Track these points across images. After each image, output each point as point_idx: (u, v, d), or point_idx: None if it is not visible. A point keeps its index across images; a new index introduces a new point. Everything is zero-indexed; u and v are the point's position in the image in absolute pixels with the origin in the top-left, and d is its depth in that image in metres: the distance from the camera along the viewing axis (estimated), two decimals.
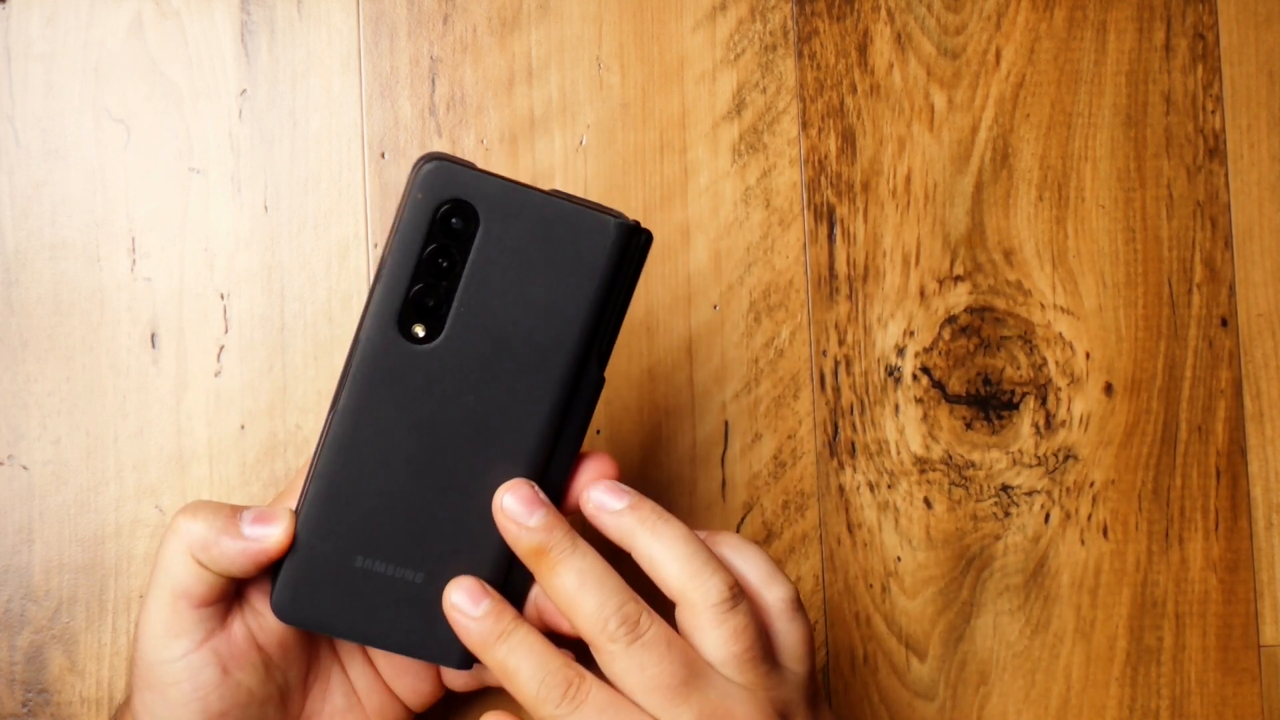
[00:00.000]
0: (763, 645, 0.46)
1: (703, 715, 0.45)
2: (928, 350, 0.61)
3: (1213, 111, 0.63)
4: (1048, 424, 0.61)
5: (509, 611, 0.47)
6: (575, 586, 0.46)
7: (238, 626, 0.48)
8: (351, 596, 0.47)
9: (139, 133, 0.58)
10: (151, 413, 0.58)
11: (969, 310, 0.61)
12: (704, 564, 0.46)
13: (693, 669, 0.46)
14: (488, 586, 0.47)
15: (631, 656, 0.45)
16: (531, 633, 0.47)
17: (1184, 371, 0.62)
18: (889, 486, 0.60)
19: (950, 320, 0.61)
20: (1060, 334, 0.61)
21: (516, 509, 0.46)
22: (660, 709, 0.45)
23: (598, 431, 0.59)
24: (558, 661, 0.46)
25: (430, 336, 0.45)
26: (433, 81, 0.59)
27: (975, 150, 0.62)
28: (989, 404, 0.61)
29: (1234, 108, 0.63)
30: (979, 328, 0.61)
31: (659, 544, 0.46)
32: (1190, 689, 0.61)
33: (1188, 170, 0.62)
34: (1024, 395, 0.61)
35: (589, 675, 0.46)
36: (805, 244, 0.61)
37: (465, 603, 0.47)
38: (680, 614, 0.46)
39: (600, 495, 0.47)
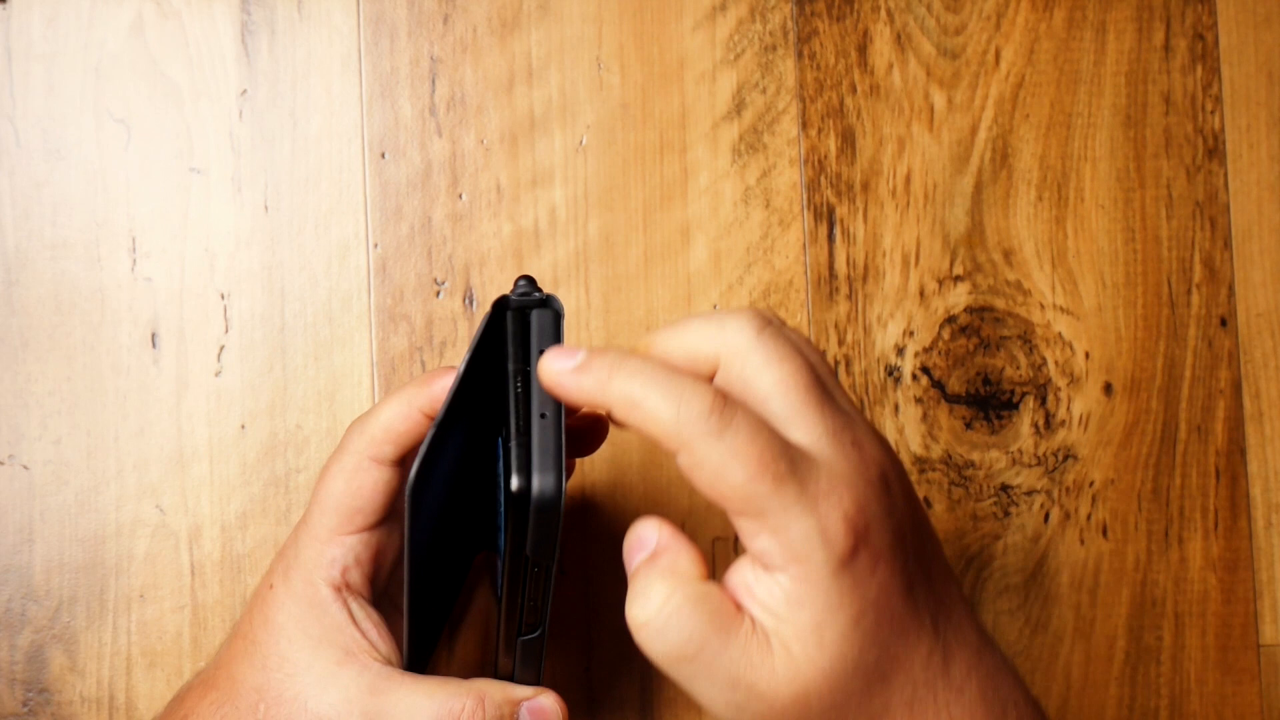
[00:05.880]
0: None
1: (838, 420, 0.41)
2: (927, 350, 0.61)
3: (1212, 112, 0.63)
4: (1047, 424, 0.61)
5: (611, 348, 0.42)
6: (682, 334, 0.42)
7: None
8: None
9: (140, 133, 0.58)
10: (152, 412, 0.58)
11: (969, 310, 0.61)
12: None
13: (818, 377, 0.41)
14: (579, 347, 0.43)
15: (764, 349, 0.41)
16: (647, 359, 0.41)
17: (1183, 371, 0.62)
18: None
19: (950, 320, 0.61)
20: (1060, 334, 0.61)
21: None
22: (802, 409, 0.40)
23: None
24: (691, 378, 0.40)
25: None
26: (433, 81, 0.60)
27: (975, 150, 0.62)
28: (988, 404, 0.61)
29: (1233, 108, 0.63)
30: (978, 327, 0.61)
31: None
32: (1189, 688, 0.61)
33: (1187, 170, 0.62)
34: (1023, 395, 0.61)
35: (730, 392, 0.41)
36: (805, 244, 0.61)
37: (562, 361, 0.41)
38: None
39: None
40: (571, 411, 0.48)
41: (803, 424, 0.41)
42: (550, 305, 0.45)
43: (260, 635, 0.49)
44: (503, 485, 0.44)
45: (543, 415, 0.43)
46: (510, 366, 0.44)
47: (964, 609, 0.44)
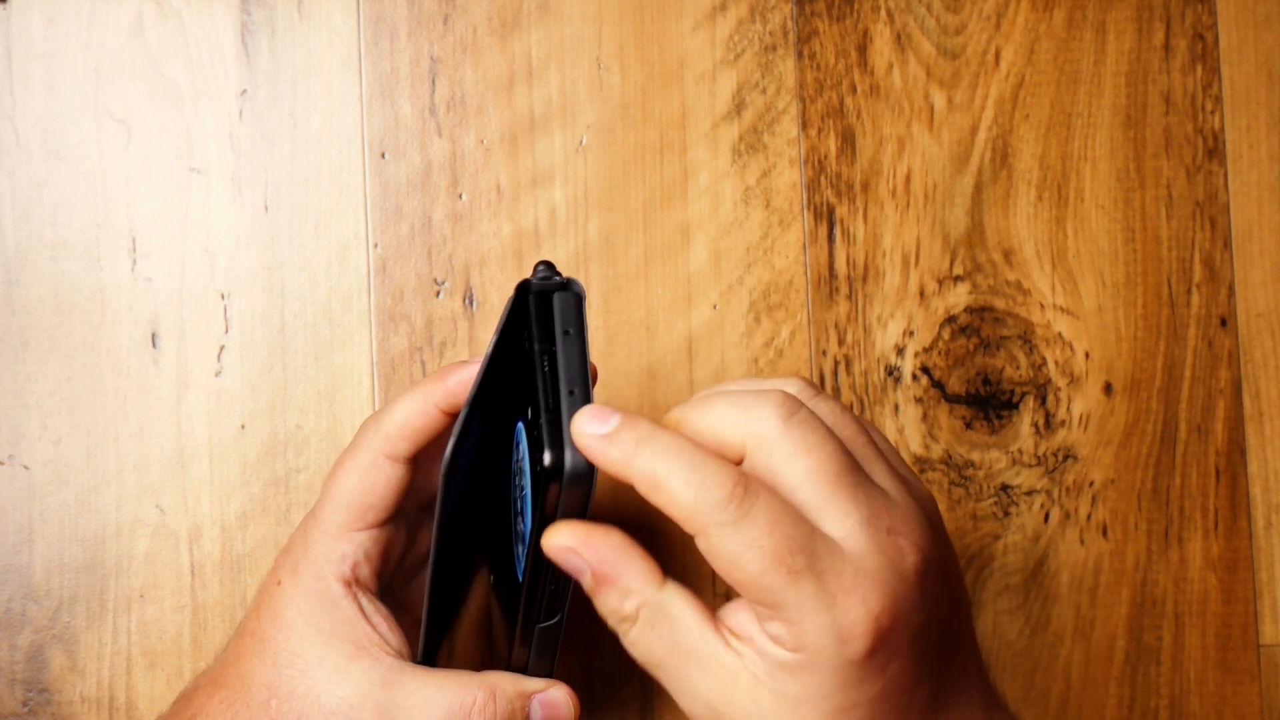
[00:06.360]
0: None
1: (873, 507, 0.40)
2: (927, 350, 0.61)
3: (1212, 112, 0.63)
4: (1047, 424, 0.61)
5: (643, 418, 0.41)
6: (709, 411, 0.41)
7: None
8: None
9: (140, 133, 0.58)
10: (152, 412, 0.58)
11: (969, 310, 0.61)
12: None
13: (853, 459, 0.40)
14: (613, 408, 0.42)
15: (790, 440, 0.39)
16: (676, 435, 0.40)
17: (1183, 371, 0.62)
18: None
19: (950, 320, 0.61)
20: (1060, 334, 0.61)
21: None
22: (833, 498, 0.39)
23: None
24: (715, 462, 0.40)
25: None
26: (433, 81, 0.60)
27: (975, 150, 0.62)
28: (989, 404, 0.61)
29: (1233, 108, 0.63)
30: (978, 327, 0.61)
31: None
32: (1189, 688, 0.61)
33: (1187, 170, 0.62)
34: (1023, 395, 0.61)
35: (753, 477, 0.40)
36: (805, 244, 0.61)
37: (593, 424, 0.41)
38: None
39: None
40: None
41: (834, 514, 0.40)
42: (571, 289, 0.45)
43: (269, 631, 0.49)
44: (528, 466, 0.44)
45: (571, 392, 0.43)
46: (536, 346, 0.44)
47: (975, 682, 0.43)
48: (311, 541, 0.49)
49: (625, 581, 0.41)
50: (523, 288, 0.45)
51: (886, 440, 0.45)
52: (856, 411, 0.60)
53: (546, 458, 0.42)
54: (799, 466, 0.40)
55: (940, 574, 0.41)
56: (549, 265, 0.45)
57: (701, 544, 0.40)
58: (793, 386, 0.43)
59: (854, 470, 0.40)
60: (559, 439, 0.42)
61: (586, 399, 0.43)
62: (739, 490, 0.39)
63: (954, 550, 0.44)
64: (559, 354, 0.43)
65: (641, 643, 0.42)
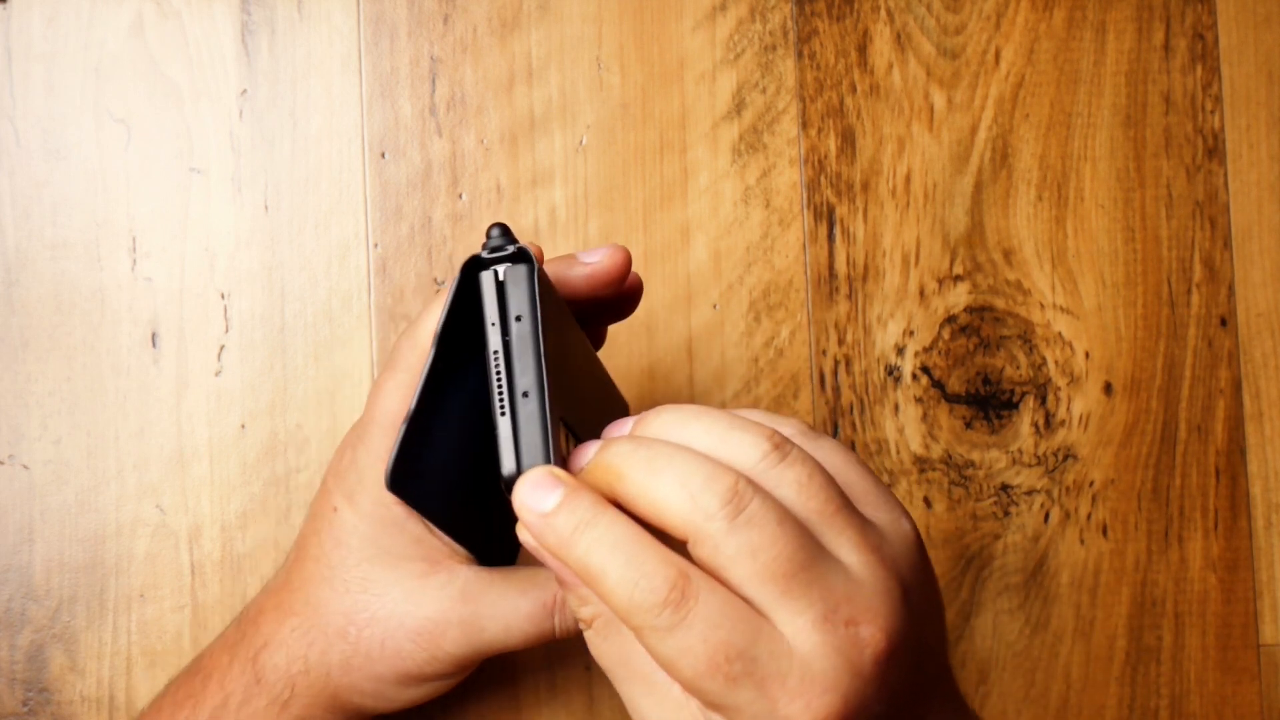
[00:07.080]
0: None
1: (829, 601, 0.37)
2: (927, 350, 0.61)
3: (1212, 111, 0.63)
4: (1047, 423, 0.61)
5: (586, 497, 0.38)
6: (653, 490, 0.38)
7: None
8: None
9: (140, 133, 0.58)
10: (152, 412, 0.58)
11: (968, 310, 0.61)
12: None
13: (811, 550, 0.37)
14: (562, 473, 0.39)
15: (736, 542, 0.37)
16: (619, 521, 0.38)
17: (1183, 371, 0.62)
18: (889, 486, 0.60)
19: (950, 320, 0.61)
20: (1060, 333, 0.61)
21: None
22: (782, 599, 0.37)
23: None
24: (655, 557, 0.37)
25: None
26: (433, 81, 0.60)
27: (975, 150, 0.62)
28: (989, 403, 0.61)
29: (1233, 108, 0.63)
30: (978, 327, 0.61)
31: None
32: (1190, 688, 0.61)
33: (1187, 170, 0.62)
34: (1023, 395, 0.61)
35: (697, 573, 0.37)
36: (805, 244, 0.61)
37: (533, 497, 0.39)
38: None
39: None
40: (598, 297, 0.47)
41: (784, 614, 0.37)
42: (523, 260, 0.42)
43: (335, 558, 0.47)
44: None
45: (525, 394, 0.41)
46: (489, 345, 0.41)
47: (939, 709, 0.41)
48: (364, 467, 0.47)
49: (581, 591, 0.40)
50: (471, 265, 0.42)
51: (867, 476, 0.42)
52: (857, 410, 0.60)
53: (505, 468, 0.41)
54: (744, 570, 0.37)
55: (913, 647, 0.39)
56: (503, 230, 0.42)
57: (639, 640, 0.38)
58: (756, 451, 0.39)
59: (810, 564, 0.37)
60: (516, 450, 0.41)
61: (542, 402, 0.41)
62: (675, 594, 0.37)
63: (935, 587, 0.42)
64: (512, 347, 0.41)
65: (595, 647, 0.40)
